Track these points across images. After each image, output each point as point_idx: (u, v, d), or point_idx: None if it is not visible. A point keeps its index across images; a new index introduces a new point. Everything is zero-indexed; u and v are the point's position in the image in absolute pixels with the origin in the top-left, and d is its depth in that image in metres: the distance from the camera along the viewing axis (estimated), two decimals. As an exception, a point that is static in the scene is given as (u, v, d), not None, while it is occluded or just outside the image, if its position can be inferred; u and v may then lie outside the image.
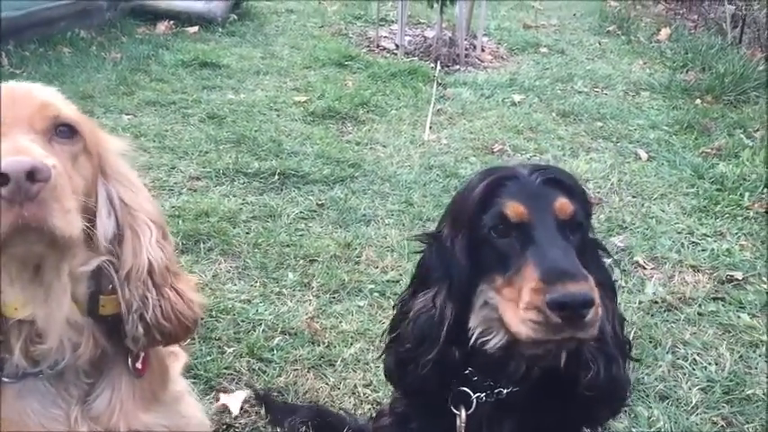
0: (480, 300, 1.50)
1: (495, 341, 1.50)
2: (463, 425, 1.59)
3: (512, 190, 1.48)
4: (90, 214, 1.37)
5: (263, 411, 2.49)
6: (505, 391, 1.56)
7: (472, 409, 1.58)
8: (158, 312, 1.41)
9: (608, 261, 1.68)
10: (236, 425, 2.43)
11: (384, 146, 4.88)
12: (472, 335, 1.52)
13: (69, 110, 1.38)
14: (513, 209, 1.44)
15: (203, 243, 3.46)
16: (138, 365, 1.47)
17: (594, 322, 1.35)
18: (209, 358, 2.70)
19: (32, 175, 1.14)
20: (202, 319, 1.55)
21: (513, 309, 1.39)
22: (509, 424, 1.59)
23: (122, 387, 1.48)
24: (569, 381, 1.51)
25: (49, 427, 1.41)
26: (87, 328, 1.39)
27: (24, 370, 1.39)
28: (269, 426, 2.43)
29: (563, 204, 1.46)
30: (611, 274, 1.63)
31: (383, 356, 1.72)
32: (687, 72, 6.78)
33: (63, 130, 1.33)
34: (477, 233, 1.48)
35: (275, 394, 2.56)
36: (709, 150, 4.97)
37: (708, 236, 3.86)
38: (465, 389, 1.58)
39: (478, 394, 1.58)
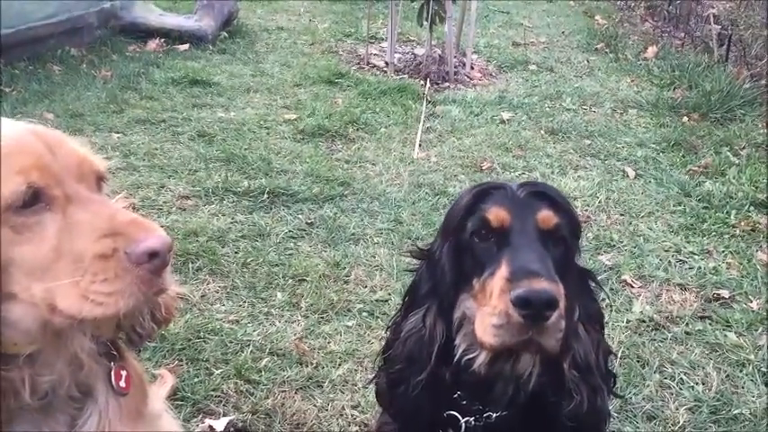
0: (460, 311, 1.52)
1: (479, 359, 1.51)
2: None
3: (496, 198, 1.52)
4: None
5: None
6: (494, 415, 1.57)
7: None
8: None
9: (599, 293, 1.68)
10: (223, 448, 2.42)
11: (373, 164, 4.90)
12: (457, 353, 1.54)
13: (101, 161, 1.40)
14: (495, 214, 1.47)
15: (192, 263, 3.46)
16: (122, 384, 1.47)
17: (557, 330, 1.36)
18: (196, 380, 2.69)
19: (155, 254, 1.21)
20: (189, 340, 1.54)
21: (481, 314, 1.41)
22: (497, 448, 1.60)
23: (109, 408, 1.47)
24: (553, 409, 1.52)
25: None
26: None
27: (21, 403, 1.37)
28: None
29: (546, 216, 1.49)
30: (599, 306, 1.63)
31: (375, 379, 1.73)
32: (674, 90, 6.84)
33: (100, 182, 1.37)
34: (461, 239, 1.51)
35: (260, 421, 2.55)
36: (695, 168, 5.01)
37: (695, 254, 3.89)
38: (454, 413, 1.59)
39: (467, 418, 1.58)
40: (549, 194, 1.54)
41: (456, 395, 1.58)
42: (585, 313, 1.56)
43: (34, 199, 1.23)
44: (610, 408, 1.63)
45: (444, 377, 1.56)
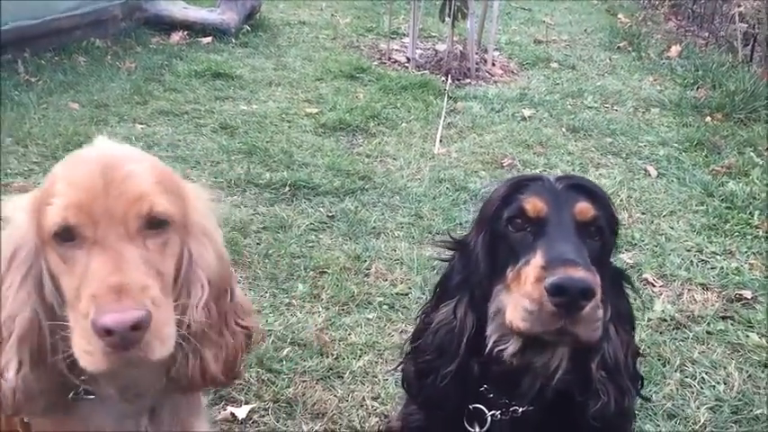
0: (495, 305, 1.51)
1: (510, 348, 1.50)
2: None
3: (534, 188, 1.51)
4: (177, 273, 1.41)
5: (272, 420, 2.50)
6: (521, 409, 1.57)
7: (487, 427, 1.59)
8: (182, 371, 1.44)
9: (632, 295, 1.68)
10: (245, 435, 2.45)
11: (394, 159, 4.91)
12: (488, 343, 1.53)
13: (161, 200, 1.34)
14: (532, 203, 1.46)
15: (214, 253, 3.48)
16: None
17: (593, 321, 1.34)
18: (218, 368, 2.71)
19: (137, 326, 1.20)
20: (219, 383, 1.55)
21: (513, 300, 1.40)
22: (522, 443, 1.60)
23: (180, 402, 1.56)
24: (578, 407, 1.51)
25: None
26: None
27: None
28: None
29: (584, 207, 1.48)
30: (631, 307, 1.63)
31: (401, 367, 1.73)
32: (697, 89, 6.78)
33: (155, 224, 1.34)
34: (496, 229, 1.51)
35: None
36: (718, 168, 4.97)
37: (717, 254, 3.86)
38: (480, 406, 1.59)
39: (493, 412, 1.58)
40: (588, 187, 1.54)
41: (483, 388, 1.58)
42: (617, 313, 1.56)
43: (70, 234, 1.28)
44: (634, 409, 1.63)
45: (473, 369, 1.56)
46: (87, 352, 1.23)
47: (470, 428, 1.59)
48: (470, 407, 1.59)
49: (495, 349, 1.52)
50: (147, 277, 1.26)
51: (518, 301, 1.37)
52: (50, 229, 1.28)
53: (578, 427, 1.56)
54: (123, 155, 1.39)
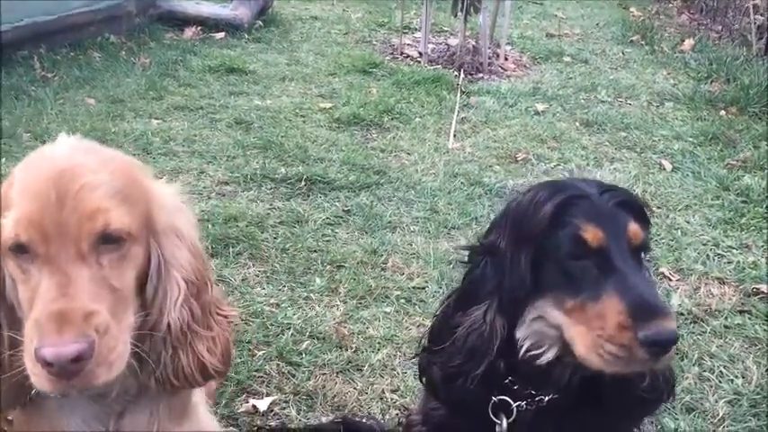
0: (534, 313, 1.51)
1: (547, 355, 1.52)
2: None
3: (585, 210, 1.46)
4: (143, 278, 1.41)
5: (292, 412, 2.53)
6: (546, 398, 1.59)
7: (513, 418, 1.60)
8: (169, 371, 1.44)
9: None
10: (267, 426, 2.47)
11: (408, 153, 4.92)
12: (521, 347, 1.54)
13: (118, 214, 1.29)
14: (593, 234, 1.43)
15: (232, 247, 3.51)
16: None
17: (673, 355, 1.39)
18: (239, 361, 2.74)
19: (77, 359, 1.18)
20: (219, 373, 1.57)
21: (585, 335, 1.40)
22: (549, 430, 1.62)
23: (159, 404, 1.53)
24: (622, 384, 1.52)
25: None
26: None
27: None
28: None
29: (636, 231, 1.46)
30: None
31: (421, 367, 1.72)
32: (711, 83, 6.76)
33: (111, 239, 1.30)
34: (547, 251, 1.48)
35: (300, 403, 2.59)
36: (734, 162, 4.95)
37: (733, 248, 3.86)
38: (505, 397, 1.61)
39: (519, 403, 1.60)
40: (633, 203, 1.52)
41: (508, 380, 1.59)
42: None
43: (23, 249, 1.27)
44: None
45: (499, 367, 1.56)
46: (34, 374, 1.22)
47: (496, 420, 1.60)
48: (495, 399, 1.60)
49: (529, 354, 1.53)
50: (94, 301, 1.23)
51: (597, 341, 1.37)
52: (5, 242, 1.27)
53: (605, 407, 1.57)
54: (81, 162, 1.31)
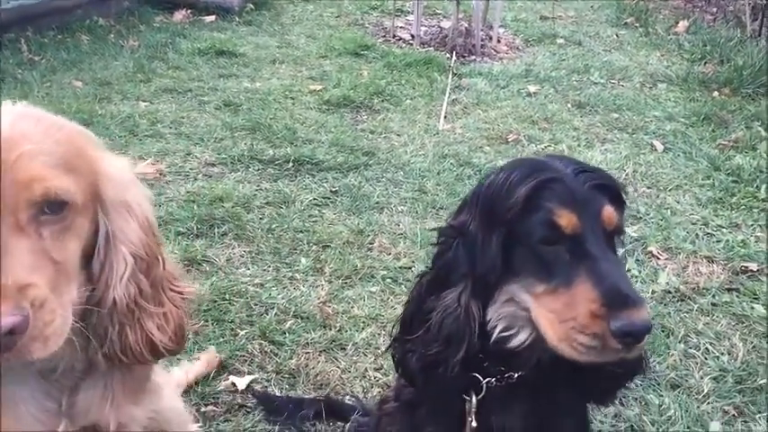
0: (505, 296, 1.48)
1: (520, 338, 1.49)
2: (473, 410, 1.59)
3: (559, 194, 1.41)
4: (90, 251, 1.36)
5: (274, 391, 2.51)
6: (516, 375, 1.56)
7: (482, 394, 1.58)
8: (116, 347, 1.40)
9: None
10: (248, 405, 2.45)
11: (398, 135, 4.89)
12: (493, 329, 1.50)
13: (60, 182, 1.24)
14: (567, 219, 1.38)
15: (218, 228, 3.49)
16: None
17: (644, 345, 1.36)
18: (221, 340, 2.73)
19: (11, 332, 1.12)
20: (170, 351, 1.52)
21: (556, 324, 1.37)
22: (519, 406, 1.59)
23: (113, 380, 1.48)
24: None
25: (41, 418, 1.41)
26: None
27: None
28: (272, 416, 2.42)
29: (610, 215, 1.42)
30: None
31: (396, 358, 1.66)
32: (705, 64, 6.72)
33: (52, 206, 1.24)
34: (520, 235, 1.43)
35: (277, 389, 2.57)
36: (725, 142, 4.93)
37: (723, 227, 3.84)
38: (475, 374, 1.58)
39: (489, 379, 1.57)
40: (609, 186, 1.47)
41: (479, 358, 1.56)
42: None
43: None
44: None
45: (475, 349, 1.52)
46: None
47: (465, 397, 1.58)
48: (466, 376, 1.57)
49: (501, 335, 1.50)
50: (32, 274, 1.18)
51: (568, 331, 1.34)
52: None
53: (576, 383, 1.54)
54: (23, 130, 1.24)
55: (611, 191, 1.47)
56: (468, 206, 1.56)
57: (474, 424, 1.60)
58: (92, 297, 1.37)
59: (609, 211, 1.42)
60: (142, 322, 1.43)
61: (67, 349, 1.35)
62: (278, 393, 2.51)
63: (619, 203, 1.47)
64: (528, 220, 1.41)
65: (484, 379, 1.57)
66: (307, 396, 2.50)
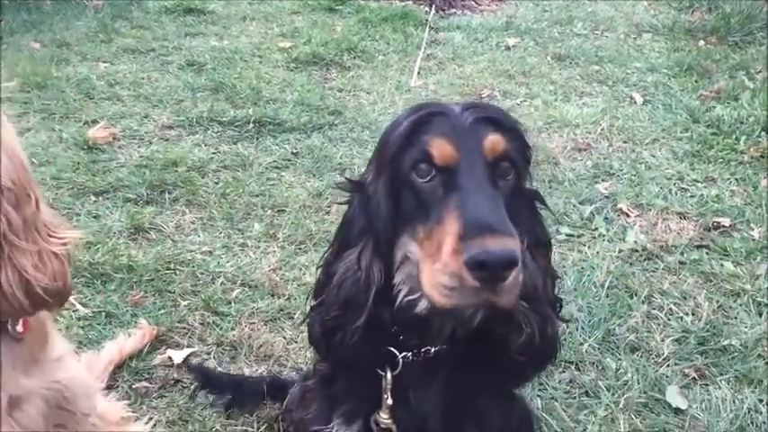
0: (401, 252, 1.35)
1: (423, 303, 1.35)
2: (389, 386, 1.48)
3: (439, 127, 1.30)
4: None
5: (212, 364, 2.41)
6: (433, 349, 1.44)
7: (398, 370, 1.47)
8: None
9: (547, 216, 1.51)
10: (184, 380, 2.35)
11: (368, 93, 4.72)
12: (398, 293, 1.38)
13: None
14: (440, 148, 1.26)
15: (168, 193, 3.35)
16: (19, 328, 1.36)
17: (514, 287, 1.19)
18: (161, 312, 2.62)
19: None
20: (51, 294, 1.38)
21: (430, 268, 1.23)
22: (437, 383, 1.48)
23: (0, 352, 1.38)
24: (499, 341, 1.38)
25: None
26: None
27: None
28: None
29: (494, 142, 1.28)
30: (547, 230, 1.47)
31: (306, 323, 1.58)
32: (692, 13, 6.49)
33: None
34: (399, 174, 1.32)
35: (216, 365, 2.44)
36: (707, 93, 4.75)
37: (698, 181, 3.70)
38: (391, 348, 1.46)
39: (405, 354, 1.45)
40: (496, 118, 1.34)
41: (393, 330, 1.44)
42: (533, 239, 1.40)
43: None
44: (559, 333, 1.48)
45: (383, 318, 1.41)
46: None
47: (381, 372, 1.47)
48: (381, 350, 1.45)
49: (405, 300, 1.37)
50: None
51: (435, 273, 1.21)
52: None
53: (500, 360, 1.43)
54: None
55: (499, 123, 1.33)
56: (371, 159, 1.45)
57: (390, 401, 1.49)
58: None
59: (493, 139, 1.28)
60: (13, 258, 1.31)
61: None
62: (218, 368, 2.40)
63: (507, 135, 1.32)
64: (406, 156, 1.30)
65: (400, 353, 1.46)
66: (247, 372, 2.38)
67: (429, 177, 1.28)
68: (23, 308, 1.34)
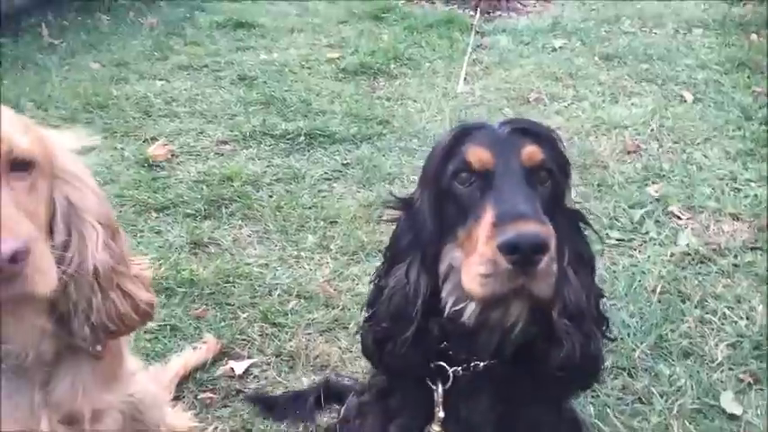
0: (446, 263, 1.42)
1: (469, 310, 1.42)
2: (441, 399, 1.55)
3: (477, 137, 1.40)
4: (48, 223, 1.37)
5: (272, 374, 2.51)
6: (482, 364, 1.50)
7: (449, 383, 1.53)
8: (103, 315, 1.41)
9: (592, 236, 1.57)
10: (246, 390, 2.45)
11: (415, 101, 4.78)
12: (445, 305, 1.45)
13: (22, 140, 1.28)
14: (476, 154, 1.36)
15: (225, 208, 3.47)
16: (99, 348, 1.47)
17: (548, 275, 1.26)
18: (222, 324, 2.72)
19: (14, 258, 1.14)
20: (150, 306, 1.54)
21: (468, 263, 1.31)
22: (486, 397, 1.54)
23: (83, 370, 1.49)
24: (540, 356, 1.43)
25: (13, 413, 1.43)
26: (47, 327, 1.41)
27: None
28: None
29: (530, 152, 1.37)
30: (590, 247, 1.52)
31: (361, 336, 1.66)
32: (744, 5, 6.38)
33: (19, 165, 1.28)
34: (441, 186, 1.41)
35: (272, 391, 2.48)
36: (760, 89, 4.68)
37: (751, 181, 3.66)
38: (442, 363, 1.53)
39: (455, 368, 1.52)
40: (534, 130, 1.42)
41: (443, 345, 1.51)
42: (575, 256, 1.45)
43: None
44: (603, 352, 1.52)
45: (432, 330, 1.49)
46: None
47: (432, 386, 1.53)
48: (432, 364, 1.52)
49: (453, 309, 1.44)
50: (19, 213, 1.21)
51: (472, 265, 1.28)
52: None
53: (544, 376, 1.48)
54: None
55: (536, 134, 1.41)
56: (418, 180, 1.54)
57: (441, 414, 1.56)
58: (66, 268, 1.38)
59: (529, 148, 1.37)
60: (122, 285, 1.45)
61: (37, 335, 1.39)
62: (276, 377, 2.50)
63: (544, 146, 1.40)
64: (447, 169, 1.39)
65: (451, 368, 1.53)
66: (305, 382, 2.47)
67: (468, 183, 1.36)
68: (134, 325, 1.49)
